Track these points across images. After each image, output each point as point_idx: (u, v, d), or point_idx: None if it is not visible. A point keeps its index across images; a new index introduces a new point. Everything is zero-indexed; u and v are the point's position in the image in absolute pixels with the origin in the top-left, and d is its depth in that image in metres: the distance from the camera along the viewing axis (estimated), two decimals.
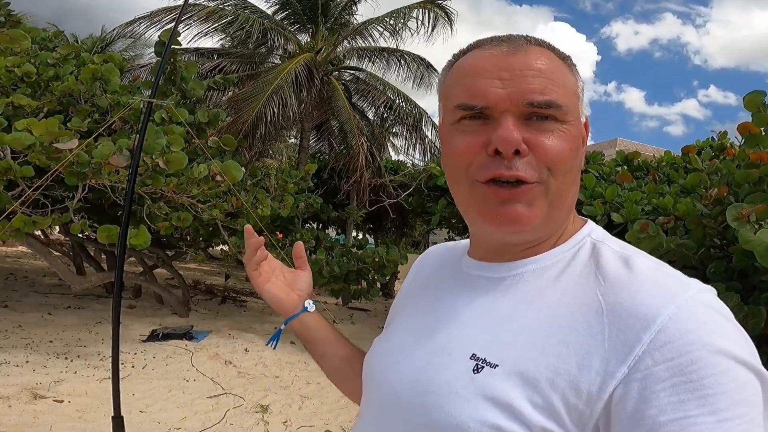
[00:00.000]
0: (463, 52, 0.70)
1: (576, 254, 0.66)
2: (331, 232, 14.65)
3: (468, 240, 0.79)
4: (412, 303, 0.82)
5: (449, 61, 0.71)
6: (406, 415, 0.65)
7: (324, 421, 4.46)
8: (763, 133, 2.87)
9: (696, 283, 0.58)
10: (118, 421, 2.88)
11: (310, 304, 0.96)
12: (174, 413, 4.23)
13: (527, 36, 0.67)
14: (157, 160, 4.59)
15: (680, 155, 6.03)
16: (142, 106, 3.35)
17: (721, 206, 3.24)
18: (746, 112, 2.81)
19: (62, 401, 4.18)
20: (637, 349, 0.53)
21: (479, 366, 0.60)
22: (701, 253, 3.38)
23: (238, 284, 11.94)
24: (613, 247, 0.66)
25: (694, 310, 0.54)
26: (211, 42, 10.70)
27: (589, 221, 0.72)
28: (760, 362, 0.54)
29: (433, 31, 10.06)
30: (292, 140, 12.49)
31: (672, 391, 0.51)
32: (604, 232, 0.70)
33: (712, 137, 5.90)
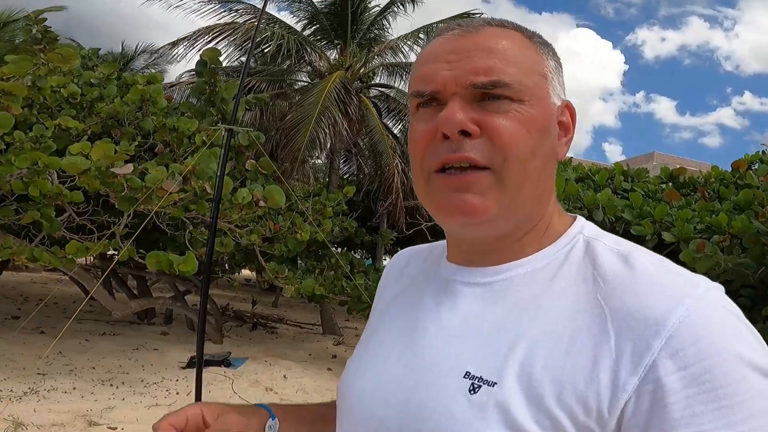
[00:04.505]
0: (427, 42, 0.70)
1: (569, 254, 0.64)
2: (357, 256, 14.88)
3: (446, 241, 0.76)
4: (389, 315, 0.76)
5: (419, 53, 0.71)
6: None
7: None
8: None
9: (704, 281, 0.57)
10: None
11: (271, 428, 0.81)
12: None
13: (490, 18, 0.67)
14: (204, 185, 4.90)
15: (729, 170, 6.14)
16: (223, 133, 3.69)
17: None
18: None
19: (116, 428, 4.43)
20: (647, 357, 0.52)
21: (476, 385, 0.58)
22: (761, 272, 3.53)
23: (266, 310, 12.24)
24: (608, 243, 0.63)
25: (706, 312, 0.53)
26: (238, 62, 11.15)
27: (579, 217, 0.69)
28: None
29: None
30: (319, 161, 12.85)
31: (686, 403, 0.50)
32: (597, 228, 0.67)
33: (763, 151, 6.00)
